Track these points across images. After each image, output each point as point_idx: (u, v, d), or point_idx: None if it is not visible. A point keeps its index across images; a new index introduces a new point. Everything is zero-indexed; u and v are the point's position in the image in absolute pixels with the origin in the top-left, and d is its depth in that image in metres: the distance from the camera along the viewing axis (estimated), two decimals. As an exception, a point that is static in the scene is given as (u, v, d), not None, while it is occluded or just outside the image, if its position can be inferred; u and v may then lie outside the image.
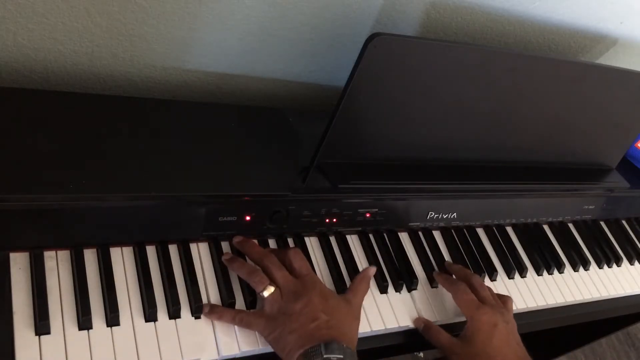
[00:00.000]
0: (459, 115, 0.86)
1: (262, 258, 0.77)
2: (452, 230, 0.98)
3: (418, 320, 0.84)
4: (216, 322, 0.73)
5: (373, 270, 0.82)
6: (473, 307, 0.81)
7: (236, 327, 0.73)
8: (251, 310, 0.75)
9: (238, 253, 0.79)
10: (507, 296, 0.88)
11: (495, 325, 0.79)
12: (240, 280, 0.77)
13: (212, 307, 0.73)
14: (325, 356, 0.66)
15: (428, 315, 0.85)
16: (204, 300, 0.74)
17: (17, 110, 0.74)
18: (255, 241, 0.80)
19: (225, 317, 0.73)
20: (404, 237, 0.93)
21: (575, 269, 1.04)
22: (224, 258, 0.77)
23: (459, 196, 0.94)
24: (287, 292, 0.73)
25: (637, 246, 1.16)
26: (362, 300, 0.79)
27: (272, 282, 0.74)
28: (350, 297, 0.77)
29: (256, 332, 0.73)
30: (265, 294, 0.73)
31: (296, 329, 0.70)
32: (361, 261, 0.87)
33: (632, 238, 1.17)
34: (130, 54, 0.86)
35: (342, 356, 0.67)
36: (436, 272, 0.90)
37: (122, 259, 0.73)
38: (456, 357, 0.80)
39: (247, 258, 0.79)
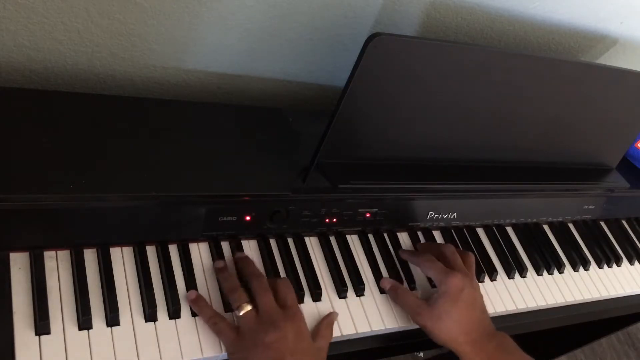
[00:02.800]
0: (459, 115, 0.86)
1: (252, 278, 0.75)
2: (452, 230, 0.98)
3: (385, 280, 0.85)
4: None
5: (336, 315, 0.79)
6: (442, 272, 0.82)
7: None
8: (227, 321, 0.72)
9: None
10: (469, 253, 0.89)
11: (462, 290, 0.80)
12: (240, 280, 0.77)
13: (198, 299, 0.72)
14: None
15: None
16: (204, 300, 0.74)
17: (17, 110, 0.74)
18: (254, 262, 0.78)
19: (203, 313, 0.72)
20: (404, 237, 0.93)
21: (575, 269, 1.04)
22: (215, 265, 0.76)
23: (459, 196, 0.94)
24: (265, 319, 0.70)
25: (637, 246, 1.16)
26: (327, 347, 0.76)
27: (254, 302, 0.72)
28: (321, 345, 0.74)
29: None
30: (240, 312, 0.71)
31: None
32: (361, 261, 0.87)
33: (632, 238, 1.17)
34: (130, 54, 0.86)
35: None
36: (401, 250, 0.90)
37: (122, 259, 0.73)
38: (420, 318, 0.81)
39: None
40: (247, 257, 0.78)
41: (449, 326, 0.79)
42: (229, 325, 0.71)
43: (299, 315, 0.73)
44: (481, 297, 0.84)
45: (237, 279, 0.75)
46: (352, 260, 0.86)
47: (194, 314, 0.73)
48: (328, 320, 0.78)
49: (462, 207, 0.96)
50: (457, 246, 0.96)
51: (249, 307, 0.71)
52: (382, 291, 0.85)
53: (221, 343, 0.71)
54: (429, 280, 0.89)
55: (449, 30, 1.00)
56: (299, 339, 0.70)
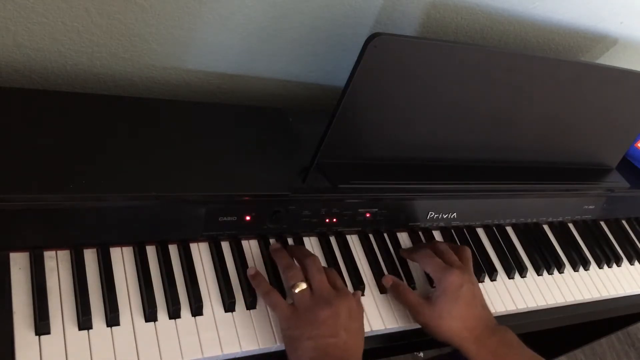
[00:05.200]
0: (459, 115, 0.86)
1: (306, 258, 0.78)
2: (452, 230, 0.98)
3: (387, 277, 0.85)
4: (218, 319, 0.73)
5: (360, 293, 0.82)
6: (440, 269, 0.82)
7: (237, 326, 0.73)
8: (282, 297, 0.75)
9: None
10: (464, 247, 0.89)
11: (461, 286, 0.80)
12: (240, 280, 0.77)
13: (257, 274, 0.76)
14: None
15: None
16: (204, 300, 0.74)
17: (17, 110, 0.74)
18: (305, 247, 0.83)
19: (261, 287, 0.75)
20: (404, 237, 0.93)
21: (575, 269, 1.04)
22: (271, 247, 0.80)
23: (459, 196, 0.94)
24: (319, 296, 0.73)
25: (637, 246, 1.16)
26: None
27: (309, 280, 0.75)
28: (362, 323, 0.77)
29: (257, 333, 0.73)
30: (296, 290, 0.74)
31: (314, 337, 0.69)
32: (361, 261, 0.87)
33: (632, 238, 1.17)
34: (130, 54, 0.86)
35: None
36: (401, 250, 0.91)
37: (122, 259, 0.73)
38: (421, 317, 0.81)
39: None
40: (298, 246, 0.83)
41: (451, 324, 0.79)
42: (284, 301, 0.74)
43: (350, 295, 0.75)
44: (480, 291, 0.84)
45: (291, 259, 0.79)
46: (352, 260, 0.86)
47: (194, 314, 0.73)
48: (356, 297, 0.79)
49: (462, 207, 0.96)
50: (457, 246, 0.96)
51: (304, 285, 0.74)
52: (382, 291, 0.85)
53: (221, 342, 0.71)
54: (429, 279, 0.89)
55: (449, 30, 1.00)
56: (351, 317, 0.73)
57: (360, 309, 0.78)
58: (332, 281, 0.76)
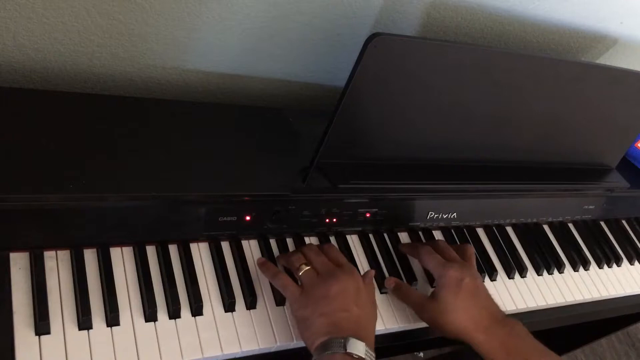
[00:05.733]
0: (459, 115, 0.86)
1: (302, 248, 0.80)
2: (452, 230, 0.98)
3: (389, 280, 0.85)
4: (218, 319, 0.73)
5: (373, 271, 0.82)
6: (440, 265, 0.82)
7: (237, 326, 0.73)
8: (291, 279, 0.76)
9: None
10: (467, 245, 0.90)
11: (462, 280, 0.80)
12: (240, 280, 0.77)
13: (265, 262, 0.78)
14: (348, 351, 0.66)
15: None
16: (204, 300, 0.74)
17: (17, 110, 0.74)
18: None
19: (269, 271, 0.77)
20: (404, 237, 0.93)
21: (575, 269, 1.04)
22: (258, 262, 0.80)
23: (459, 196, 0.94)
24: (325, 273, 0.74)
25: (637, 246, 1.16)
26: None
27: (310, 264, 0.76)
28: (373, 298, 0.78)
29: (257, 333, 0.73)
30: (300, 271, 0.75)
31: (326, 313, 0.70)
32: (361, 261, 0.87)
33: (632, 238, 1.17)
34: (130, 54, 0.86)
35: (364, 358, 0.66)
36: (401, 244, 0.91)
37: (122, 259, 0.73)
38: (425, 314, 0.81)
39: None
40: (285, 254, 0.83)
41: (456, 317, 0.78)
42: (293, 282, 0.75)
43: (355, 270, 0.77)
44: (483, 285, 0.83)
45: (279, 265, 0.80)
46: (352, 261, 0.86)
47: (194, 314, 0.73)
48: (370, 275, 0.80)
49: (462, 207, 0.96)
50: (457, 246, 0.96)
51: (308, 267, 0.75)
52: (382, 291, 0.85)
53: (221, 342, 0.71)
54: (429, 278, 0.89)
55: (449, 30, 1.00)
56: (359, 291, 0.74)
57: (370, 286, 0.78)
58: (334, 258, 0.78)
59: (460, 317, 0.78)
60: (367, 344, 0.68)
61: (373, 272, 0.82)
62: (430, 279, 0.89)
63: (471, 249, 0.89)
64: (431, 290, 0.87)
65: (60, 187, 0.67)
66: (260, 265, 0.79)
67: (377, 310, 0.82)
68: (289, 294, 0.74)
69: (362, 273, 0.85)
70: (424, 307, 0.81)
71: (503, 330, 0.77)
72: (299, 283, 0.76)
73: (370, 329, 0.73)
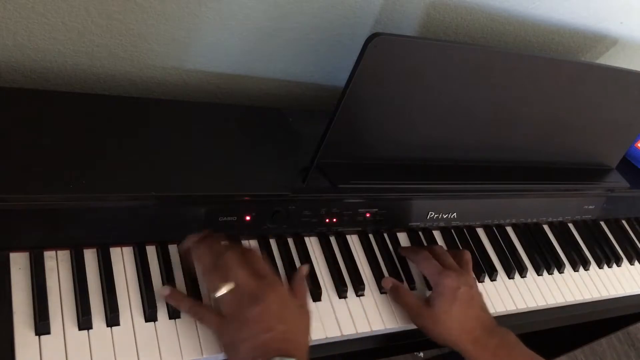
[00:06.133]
0: (459, 115, 0.86)
1: (222, 254, 0.71)
2: (452, 230, 0.98)
3: (387, 280, 0.85)
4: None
5: (306, 268, 0.79)
6: (436, 272, 0.82)
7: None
8: (208, 307, 0.71)
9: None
10: (464, 251, 0.89)
11: (458, 289, 0.80)
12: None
13: (173, 293, 0.71)
14: None
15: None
16: (205, 300, 0.74)
17: (17, 110, 0.74)
18: (218, 238, 0.75)
19: (182, 305, 0.70)
20: (404, 237, 0.93)
21: (575, 269, 1.04)
22: (180, 247, 0.74)
23: (459, 196, 0.94)
24: (245, 294, 0.68)
25: (637, 246, 1.16)
26: (307, 301, 0.76)
27: (230, 279, 0.69)
28: (302, 303, 0.74)
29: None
30: (217, 295, 0.68)
31: (249, 338, 0.66)
32: (361, 261, 0.87)
33: (632, 238, 1.17)
34: (130, 54, 0.86)
35: None
36: (400, 248, 0.90)
37: (122, 259, 0.73)
38: (419, 320, 0.81)
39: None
40: (211, 234, 0.75)
41: (449, 326, 0.79)
42: (211, 311, 0.70)
43: (277, 281, 0.71)
44: (479, 293, 0.84)
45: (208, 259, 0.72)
46: (352, 260, 0.86)
47: (194, 314, 0.73)
48: (299, 276, 0.77)
49: (462, 207, 0.96)
50: (457, 246, 0.96)
51: (224, 289, 0.68)
52: (382, 291, 0.85)
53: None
54: (426, 282, 0.89)
55: (449, 30, 1.00)
56: (283, 305, 0.69)
57: (299, 290, 0.74)
58: (256, 268, 0.71)
59: (452, 326, 0.79)
60: (298, 357, 0.65)
61: (304, 270, 0.78)
62: (429, 281, 0.89)
63: (468, 255, 0.89)
64: (428, 293, 0.87)
65: (60, 187, 0.67)
66: (169, 297, 0.70)
67: (377, 310, 0.82)
68: (208, 324, 0.69)
69: (363, 274, 0.85)
70: (419, 312, 0.81)
71: (493, 341, 0.78)
72: (216, 305, 0.70)
73: (301, 340, 0.69)
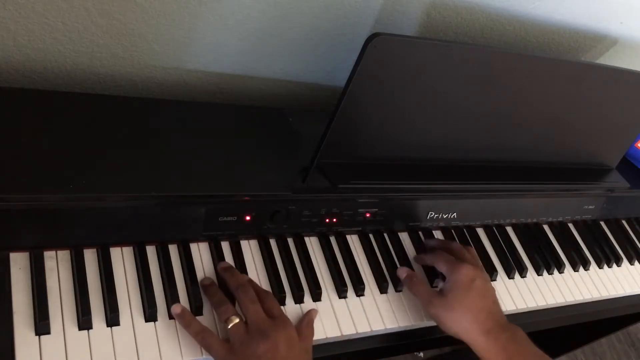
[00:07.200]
0: (459, 115, 0.86)
1: (238, 288, 0.73)
2: (452, 230, 0.98)
3: (401, 270, 0.85)
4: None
5: (316, 312, 0.78)
6: (452, 263, 0.82)
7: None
8: (216, 335, 0.71)
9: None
10: (469, 247, 0.91)
11: (473, 280, 0.80)
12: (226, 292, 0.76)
13: (184, 313, 0.71)
14: None
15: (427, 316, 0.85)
16: (204, 300, 0.74)
17: (17, 110, 0.74)
18: (237, 272, 0.77)
19: (191, 328, 0.70)
20: (404, 237, 0.93)
21: (575, 269, 1.04)
22: (202, 283, 0.75)
23: (459, 196, 0.94)
24: (255, 329, 0.69)
25: (637, 246, 1.16)
26: (311, 345, 0.75)
27: (243, 314, 0.71)
28: (307, 346, 0.74)
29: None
30: (229, 325, 0.70)
31: None
32: (361, 261, 0.87)
33: (632, 238, 1.17)
34: (130, 54, 0.86)
35: None
36: (415, 256, 0.91)
37: (122, 259, 0.73)
38: (433, 308, 0.80)
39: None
40: (231, 267, 0.77)
41: (462, 316, 0.78)
42: (218, 339, 0.70)
43: (287, 322, 0.72)
44: (493, 289, 0.84)
45: (222, 293, 0.74)
46: (352, 260, 0.86)
47: (194, 314, 0.72)
48: (308, 318, 0.77)
49: (462, 207, 0.96)
50: (457, 246, 0.96)
51: (237, 320, 0.70)
52: (382, 291, 0.85)
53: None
54: (430, 280, 0.89)
55: (449, 30, 1.00)
56: (290, 346, 0.70)
57: (306, 333, 0.74)
58: (268, 309, 0.73)
59: (464, 316, 0.78)
60: None
61: (314, 314, 0.78)
62: (432, 281, 0.89)
63: (473, 251, 0.90)
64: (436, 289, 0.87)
65: (60, 187, 0.67)
66: (179, 316, 0.71)
67: (377, 310, 0.82)
68: (214, 354, 0.68)
69: (363, 274, 0.85)
70: (432, 301, 0.81)
71: (505, 335, 0.77)
72: (225, 335, 0.71)
73: None
